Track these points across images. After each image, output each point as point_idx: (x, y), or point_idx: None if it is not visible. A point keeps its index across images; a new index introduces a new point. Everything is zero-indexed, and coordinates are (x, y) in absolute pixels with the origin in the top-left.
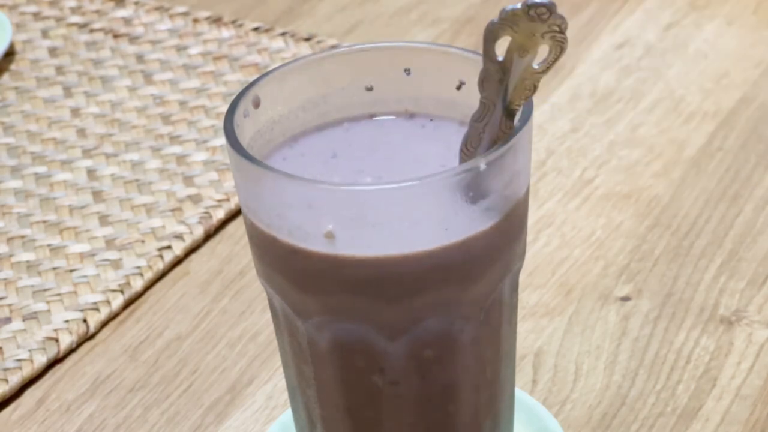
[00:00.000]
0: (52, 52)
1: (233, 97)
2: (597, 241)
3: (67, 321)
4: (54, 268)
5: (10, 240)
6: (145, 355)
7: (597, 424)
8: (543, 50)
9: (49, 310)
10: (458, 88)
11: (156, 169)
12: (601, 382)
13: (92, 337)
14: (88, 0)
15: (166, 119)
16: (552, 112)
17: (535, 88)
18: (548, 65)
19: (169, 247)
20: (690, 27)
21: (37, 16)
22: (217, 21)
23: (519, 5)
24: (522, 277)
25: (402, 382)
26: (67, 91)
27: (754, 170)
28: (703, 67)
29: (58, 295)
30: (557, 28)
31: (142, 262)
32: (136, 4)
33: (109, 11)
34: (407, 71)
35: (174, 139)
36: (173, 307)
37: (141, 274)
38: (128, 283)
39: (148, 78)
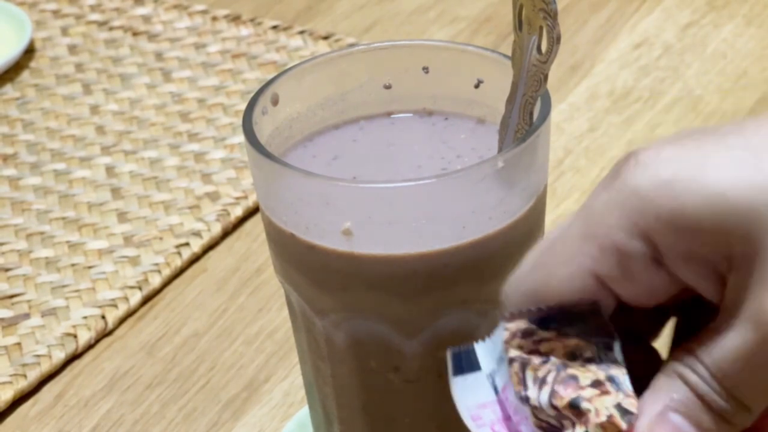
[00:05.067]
0: (72, 49)
1: (251, 95)
2: None
3: (85, 317)
4: (72, 265)
5: (29, 236)
6: (162, 351)
7: None
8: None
9: (67, 307)
10: (476, 86)
11: (174, 167)
12: None
13: (110, 333)
14: None
15: (184, 117)
16: (570, 111)
17: (543, 80)
18: (547, 55)
19: (186, 244)
20: (708, 27)
21: (56, 13)
22: (235, 19)
23: None
24: None
25: (418, 380)
26: (87, 89)
27: None
28: (721, 66)
29: (77, 291)
30: (545, 5)
31: (160, 259)
32: (155, 2)
33: (129, 9)
34: (425, 69)
35: (192, 136)
36: (191, 303)
37: (159, 271)
38: (146, 280)
39: (166, 76)
